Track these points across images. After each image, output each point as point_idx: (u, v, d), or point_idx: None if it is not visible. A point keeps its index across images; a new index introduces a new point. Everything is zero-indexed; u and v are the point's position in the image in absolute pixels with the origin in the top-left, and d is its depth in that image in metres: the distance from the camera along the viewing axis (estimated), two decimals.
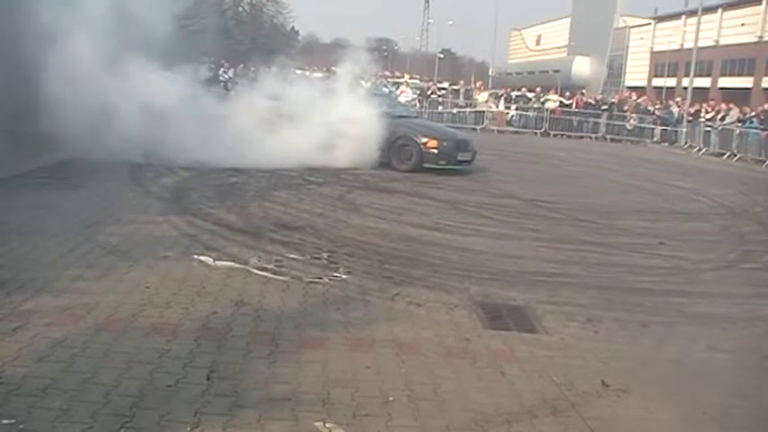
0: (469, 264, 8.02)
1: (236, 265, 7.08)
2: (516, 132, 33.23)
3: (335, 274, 7.06)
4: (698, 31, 37.38)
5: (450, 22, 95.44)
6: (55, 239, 7.36)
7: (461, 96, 35.15)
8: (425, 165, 14.88)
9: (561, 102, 35.43)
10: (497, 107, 34.49)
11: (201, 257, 7.24)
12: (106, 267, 6.63)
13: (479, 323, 6.01)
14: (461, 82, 38.03)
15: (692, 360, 5.70)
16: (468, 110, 33.78)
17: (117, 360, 4.63)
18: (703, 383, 5.24)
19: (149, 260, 6.97)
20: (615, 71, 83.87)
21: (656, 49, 78.68)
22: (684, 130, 33.05)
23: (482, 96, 35.28)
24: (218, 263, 7.12)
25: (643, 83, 78.52)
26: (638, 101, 38.47)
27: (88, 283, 6.09)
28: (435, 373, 4.90)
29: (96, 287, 6.00)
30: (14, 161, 10.31)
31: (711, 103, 34.81)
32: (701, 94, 45.33)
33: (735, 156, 27.89)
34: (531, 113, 34.50)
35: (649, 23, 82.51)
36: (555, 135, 33.09)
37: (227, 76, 25.10)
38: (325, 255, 7.79)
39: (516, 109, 34.89)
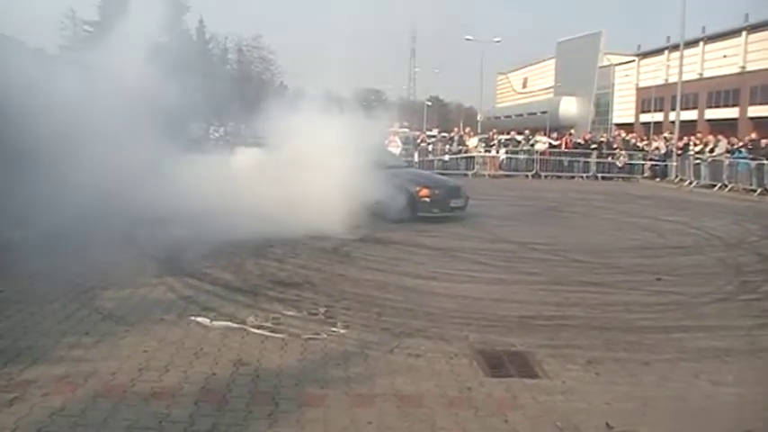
0: (467, 311, 7.99)
1: (234, 325, 7.05)
2: (507, 176, 33.38)
3: (333, 329, 7.03)
4: (681, 65, 37.76)
5: (437, 70, 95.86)
6: (51, 306, 7.33)
7: (455, 143, 35.33)
8: (419, 213, 14.90)
9: (550, 143, 35.72)
10: (489, 152, 34.66)
11: (198, 318, 7.21)
12: (103, 333, 6.59)
13: (480, 371, 5.98)
14: (456, 129, 38.27)
15: (697, 396, 5.66)
16: (459, 156, 33.96)
17: (117, 427, 4.60)
18: (709, 419, 5.21)
19: (146, 324, 6.94)
20: (602, 109, 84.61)
21: (642, 85, 79.52)
22: (674, 164, 33.26)
23: (472, 142, 35.49)
24: (216, 323, 7.09)
25: (631, 119, 79.22)
26: (627, 138, 38.76)
27: (85, 350, 6.06)
28: (438, 424, 4.86)
29: (94, 354, 5.97)
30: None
31: (699, 135, 35.17)
32: (688, 127, 45.72)
33: (726, 186, 28.06)
34: (521, 156, 34.69)
35: (633, 60, 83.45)
36: (546, 176, 33.26)
37: (217, 134, 25.21)
38: (322, 310, 7.75)
39: (506, 152, 35.05)
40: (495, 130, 39.19)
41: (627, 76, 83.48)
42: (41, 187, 10.25)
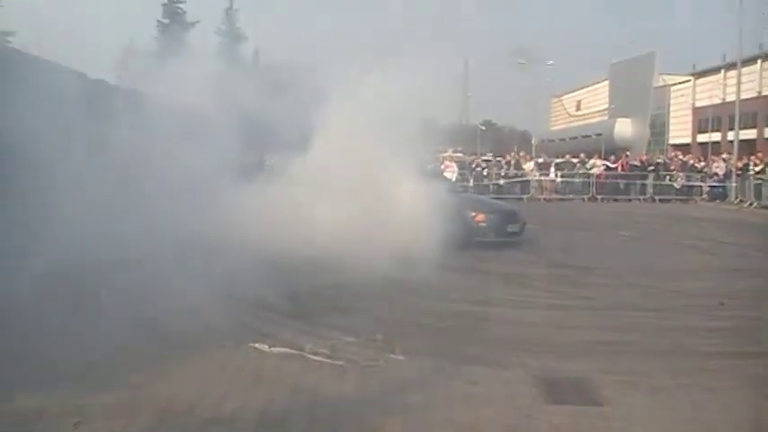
0: (526, 337, 7.94)
1: (292, 351, 7.09)
2: (563, 199, 33.14)
3: (392, 356, 7.03)
4: (739, 83, 37.26)
5: (490, 94, 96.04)
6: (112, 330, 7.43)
7: (511, 167, 35.22)
8: (475, 239, 14.84)
9: (606, 165, 35.37)
10: (546, 175, 34.51)
11: (257, 345, 7.26)
12: (162, 358, 6.67)
13: (540, 398, 5.92)
14: (512, 153, 38.19)
15: (764, 425, 5.54)
16: (514, 180, 33.86)
17: None
18: None
19: (205, 349, 7.01)
20: (658, 130, 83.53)
21: (698, 104, 78.35)
22: (734, 184, 32.68)
23: (528, 165, 35.35)
24: (274, 349, 7.14)
25: (687, 140, 78.06)
26: (684, 159, 38.25)
27: (146, 375, 6.13)
28: None
29: (154, 378, 6.05)
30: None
31: (760, 155, 34.46)
32: (747, 147, 44.84)
33: None
34: (576, 179, 34.43)
35: (689, 80, 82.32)
36: (602, 199, 32.93)
37: (272, 162, 25.37)
38: (380, 336, 7.74)
39: (561, 175, 34.83)
40: (553, 155, 38.97)
41: (683, 96, 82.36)
42: (104, 218, 10.40)
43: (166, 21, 31.16)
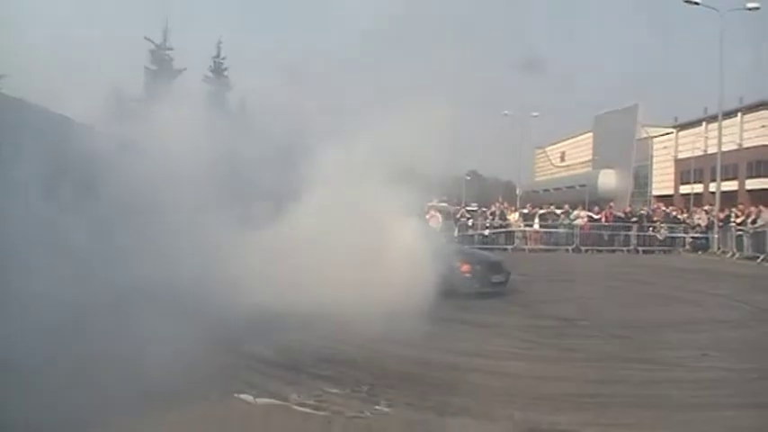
0: (512, 389, 7.92)
1: (277, 402, 7.05)
2: (547, 250, 33.25)
3: (377, 407, 7.00)
4: (720, 135, 37.74)
5: (475, 145, 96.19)
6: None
7: (496, 217, 35.35)
8: (460, 290, 14.81)
9: (590, 216, 35.57)
10: (530, 226, 34.67)
11: (242, 395, 7.22)
12: (144, 408, 6.59)
13: None
14: (497, 203, 38.33)
15: None
16: (500, 230, 33.98)
17: None
18: None
19: (189, 400, 6.95)
20: (641, 181, 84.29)
21: (681, 156, 79.23)
22: (716, 236, 32.96)
23: (513, 216, 35.51)
24: (259, 400, 7.10)
25: (670, 191, 78.79)
26: (667, 210, 38.54)
27: (127, 426, 6.08)
28: None
29: (135, 430, 5.99)
30: None
31: (741, 206, 34.80)
32: (729, 198, 45.25)
33: None
34: (561, 230, 34.60)
35: (671, 132, 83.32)
36: (586, 250, 33.06)
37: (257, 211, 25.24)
38: (365, 387, 7.72)
39: (546, 227, 34.98)
40: (537, 206, 39.15)
41: (665, 147, 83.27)
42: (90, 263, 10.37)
43: (154, 67, 31.27)
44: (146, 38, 17.10)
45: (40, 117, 11.29)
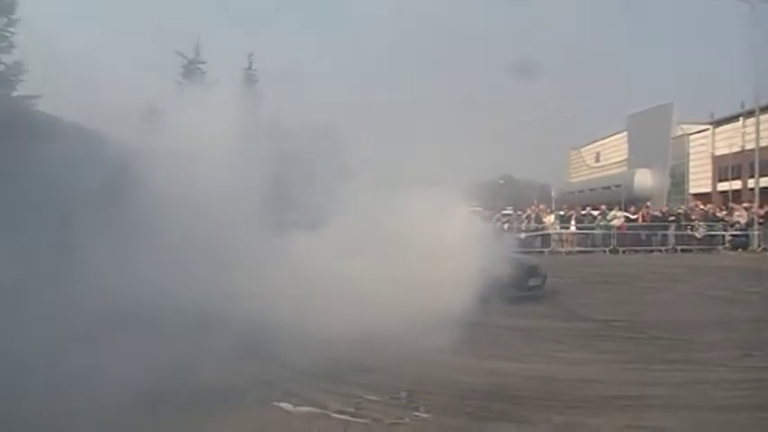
0: (551, 392, 7.89)
1: (317, 410, 7.09)
2: (584, 252, 33.04)
3: (416, 414, 7.02)
4: (758, 130, 37.27)
5: (508, 148, 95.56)
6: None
7: (531, 220, 35.22)
8: (497, 293, 14.72)
9: (627, 217, 35.30)
10: (566, 228, 34.49)
11: (282, 404, 7.27)
12: (186, 417, 6.68)
13: None
14: (532, 206, 38.20)
15: None
16: (536, 233, 33.83)
17: None
18: None
19: (229, 409, 7.01)
20: (678, 180, 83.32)
21: (718, 153, 78.20)
22: (756, 233, 32.53)
23: (548, 219, 35.36)
24: (298, 408, 7.14)
25: (708, 189, 77.80)
26: (705, 208, 38.13)
27: None
28: None
29: None
30: None
31: None
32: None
33: None
34: (597, 231, 34.37)
35: (708, 129, 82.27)
36: (624, 251, 32.79)
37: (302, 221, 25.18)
38: (404, 394, 7.73)
39: (582, 228, 34.78)
40: (573, 208, 38.92)
41: (702, 145, 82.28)
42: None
43: (186, 81, 31.51)
44: (177, 52, 17.34)
45: (77, 134, 11.48)
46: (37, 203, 9.33)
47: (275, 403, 7.31)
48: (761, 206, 34.34)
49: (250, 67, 37.54)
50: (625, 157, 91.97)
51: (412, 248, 12.72)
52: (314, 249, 12.91)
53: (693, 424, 6.78)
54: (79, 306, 9.19)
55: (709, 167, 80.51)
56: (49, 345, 7.92)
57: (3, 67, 16.61)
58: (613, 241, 33.48)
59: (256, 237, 12.47)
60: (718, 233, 34.21)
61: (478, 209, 36.74)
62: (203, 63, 32.31)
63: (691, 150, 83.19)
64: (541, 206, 41.59)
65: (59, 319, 8.75)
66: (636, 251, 32.90)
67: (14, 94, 16.71)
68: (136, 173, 11.87)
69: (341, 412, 7.02)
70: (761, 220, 32.76)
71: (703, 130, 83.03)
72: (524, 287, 15.31)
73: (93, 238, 10.25)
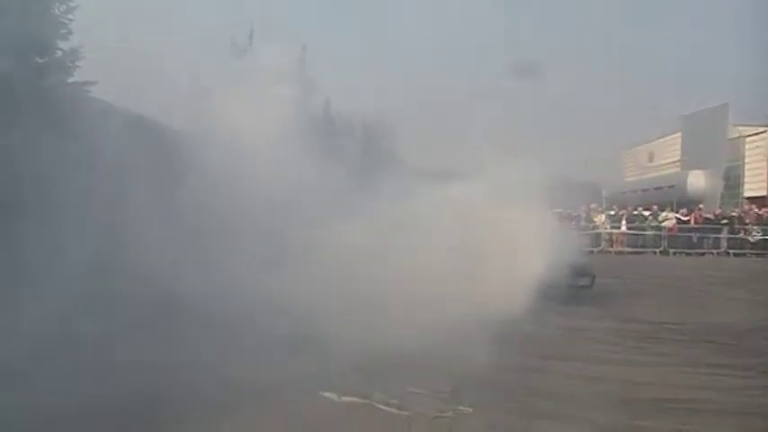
0: (596, 393, 7.85)
1: (361, 401, 7.15)
2: (634, 252, 32.70)
3: (460, 408, 7.03)
4: None
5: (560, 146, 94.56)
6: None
7: (582, 220, 34.90)
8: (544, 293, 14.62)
9: (678, 218, 34.84)
10: (617, 228, 34.15)
11: (326, 393, 7.34)
12: (233, 406, 6.78)
13: None
14: (583, 207, 37.86)
15: None
16: (585, 232, 33.53)
17: None
18: None
19: (276, 398, 7.09)
20: (732, 182, 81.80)
21: None
22: None
23: (599, 218, 35.02)
24: (343, 398, 7.20)
25: (763, 192, 76.22)
26: (760, 212, 37.46)
27: (217, 420, 6.25)
28: None
29: (226, 426, 6.16)
30: None
31: None
32: None
33: None
34: (648, 232, 33.98)
35: (765, 131, 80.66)
36: (674, 253, 32.39)
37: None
38: (448, 388, 7.75)
39: (633, 228, 34.41)
40: (624, 209, 38.47)
41: (758, 147, 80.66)
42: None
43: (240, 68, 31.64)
44: (232, 41, 17.44)
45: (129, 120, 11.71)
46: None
47: (321, 392, 7.37)
48: None
49: (303, 57, 37.66)
50: (678, 157, 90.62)
51: (467, 244, 12.69)
52: (364, 242, 12.89)
53: (740, 429, 6.71)
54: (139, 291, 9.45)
55: (765, 170, 78.98)
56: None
57: (60, 53, 16.85)
58: (664, 243, 33.09)
59: (309, 229, 12.55)
60: None
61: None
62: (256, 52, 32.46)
63: (746, 152, 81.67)
64: (592, 205, 41.21)
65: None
66: (687, 254, 32.48)
67: (71, 80, 16.98)
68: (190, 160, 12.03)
69: (385, 403, 7.07)
70: None
71: (760, 132, 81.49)
72: (573, 287, 15.19)
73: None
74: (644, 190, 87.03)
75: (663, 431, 6.53)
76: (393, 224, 12.74)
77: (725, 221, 34.39)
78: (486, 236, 12.85)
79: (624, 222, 34.73)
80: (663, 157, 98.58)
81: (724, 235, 33.41)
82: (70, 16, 15.92)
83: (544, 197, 13.75)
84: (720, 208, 43.74)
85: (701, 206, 40.60)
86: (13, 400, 6.21)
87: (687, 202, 51.23)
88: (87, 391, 6.75)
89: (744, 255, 32.37)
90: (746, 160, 79.84)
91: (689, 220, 34.55)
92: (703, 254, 32.56)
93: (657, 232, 33.66)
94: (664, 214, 35.22)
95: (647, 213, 35.38)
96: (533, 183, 13.77)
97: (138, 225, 11.09)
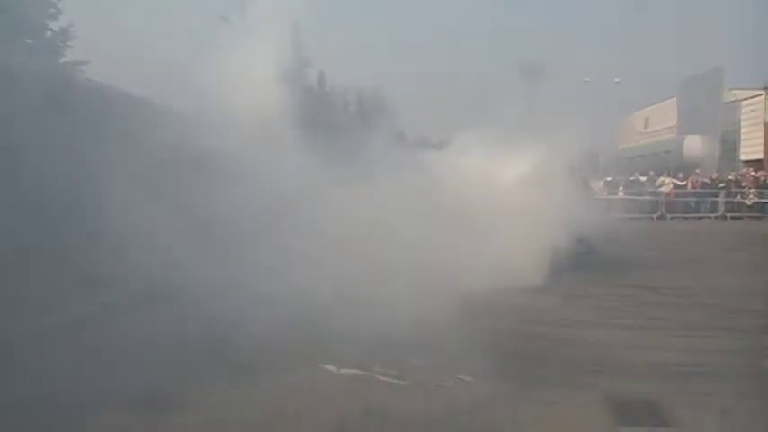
0: (596, 358, 7.85)
1: (361, 372, 7.14)
2: (632, 218, 32.68)
3: (460, 377, 7.03)
4: None
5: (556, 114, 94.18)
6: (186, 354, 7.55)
7: (580, 186, 34.79)
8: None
9: (675, 183, 34.83)
10: (614, 194, 34.12)
11: (327, 366, 7.33)
12: (233, 378, 6.78)
13: (611, 420, 5.87)
14: (581, 174, 37.75)
15: None
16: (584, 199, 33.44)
17: None
18: None
19: (276, 371, 7.08)
20: (729, 146, 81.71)
21: None
22: None
23: (596, 185, 34.96)
24: (343, 370, 7.20)
25: (759, 155, 76.12)
26: (757, 175, 37.45)
27: (218, 398, 6.24)
28: None
29: (226, 401, 6.16)
30: None
31: None
32: None
33: None
34: (645, 198, 33.97)
35: (761, 94, 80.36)
36: (672, 218, 32.42)
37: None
38: (448, 358, 7.73)
39: (630, 194, 34.39)
40: (622, 174, 38.42)
41: (754, 111, 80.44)
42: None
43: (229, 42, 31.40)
44: (221, 17, 17.29)
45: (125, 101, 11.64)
46: None
47: (321, 365, 7.37)
48: None
49: (297, 33, 37.35)
50: (674, 123, 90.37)
51: (481, 215, 12.64)
52: (377, 212, 12.68)
53: (740, 391, 6.71)
54: None
55: (762, 134, 78.78)
56: None
57: (50, 33, 16.75)
58: (662, 208, 33.12)
59: (316, 203, 12.45)
60: None
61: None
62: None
63: (742, 116, 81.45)
64: (590, 172, 41.10)
65: None
66: (684, 218, 32.55)
67: (62, 60, 16.88)
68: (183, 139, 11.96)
69: (385, 374, 7.06)
70: None
71: (756, 96, 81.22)
72: (571, 253, 15.15)
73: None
74: (640, 156, 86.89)
75: (662, 394, 6.51)
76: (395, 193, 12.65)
77: (722, 185, 34.40)
78: (485, 205, 12.84)
79: (621, 188, 34.68)
80: (659, 122, 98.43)
81: (721, 199, 33.44)
82: None
83: (544, 165, 13.68)
84: (717, 172, 43.74)
85: (697, 171, 40.50)
86: None
87: (684, 167, 51.19)
88: None
89: (741, 218, 32.41)
90: (743, 124, 79.69)
91: (686, 185, 34.56)
92: (701, 218, 32.61)
93: (655, 198, 33.64)
94: (660, 179, 35.19)
95: (643, 179, 35.34)
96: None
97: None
